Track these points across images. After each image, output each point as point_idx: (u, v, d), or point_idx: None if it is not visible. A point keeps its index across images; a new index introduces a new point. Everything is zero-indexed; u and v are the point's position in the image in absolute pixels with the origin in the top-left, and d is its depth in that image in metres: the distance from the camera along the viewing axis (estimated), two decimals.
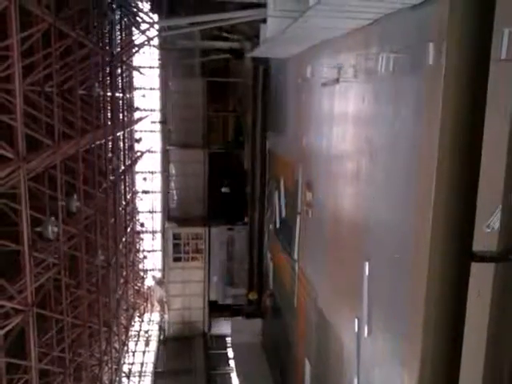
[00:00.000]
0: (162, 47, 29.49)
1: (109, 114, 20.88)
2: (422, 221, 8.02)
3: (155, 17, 26.69)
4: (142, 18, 25.61)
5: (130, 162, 27.13)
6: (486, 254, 1.69)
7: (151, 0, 26.61)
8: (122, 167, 23.81)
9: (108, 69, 19.96)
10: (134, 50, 26.27)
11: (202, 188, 30.61)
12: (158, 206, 35.19)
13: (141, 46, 25.80)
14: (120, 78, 24.52)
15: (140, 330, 31.61)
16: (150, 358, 29.51)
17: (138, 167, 32.73)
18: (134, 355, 28.71)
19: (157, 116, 33.30)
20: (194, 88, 30.19)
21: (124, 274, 24.53)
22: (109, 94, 20.44)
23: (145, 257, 34.49)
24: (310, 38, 14.50)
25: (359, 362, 11.94)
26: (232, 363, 26.95)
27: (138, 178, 33.55)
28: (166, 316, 30.39)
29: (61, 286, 13.54)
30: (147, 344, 30.81)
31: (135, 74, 31.24)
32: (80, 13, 15.17)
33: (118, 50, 22.51)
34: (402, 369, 9.46)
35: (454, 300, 1.58)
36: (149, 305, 33.98)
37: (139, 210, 33.79)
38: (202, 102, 30.33)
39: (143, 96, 33.32)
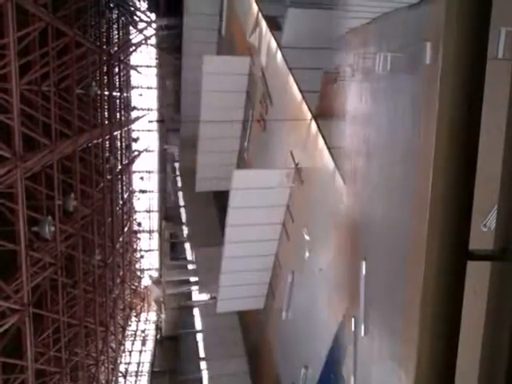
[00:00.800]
0: (159, 46, 29.49)
1: (106, 113, 20.85)
2: (418, 220, 8.02)
3: (153, 16, 26.69)
4: (139, 17, 25.61)
5: (127, 161, 27.11)
6: (483, 252, 1.70)
7: None
8: (119, 166, 23.77)
9: (105, 68, 19.94)
10: (131, 49, 26.25)
11: None
12: (155, 206, 35.21)
13: (138, 44, 25.78)
14: (117, 76, 24.50)
15: (137, 329, 31.61)
16: (147, 357, 29.52)
17: (136, 166, 32.74)
18: (130, 355, 28.71)
19: (154, 115, 33.30)
20: None
21: (121, 273, 24.50)
22: (106, 93, 20.42)
23: (142, 256, 34.49)
24: None
25: (356, 360, 11.95)
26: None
27: (135, 178, 33.56)
28: (162, 316, 30.37)
29: (57, 286, 13.51)
30: (144, 343, 30.81)
31: (132, 72, 31.22)
32: (77, 12, 15.16)
33: (116, 48, 22.48)
34: (398, 368, 9.48)
35: (450, 299, 1.60)
36: (145, 304, 33.97)
37: (136, 209, 33.79)
38: None
39: (140, 95, 33.30)
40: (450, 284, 1.87)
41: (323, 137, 13.37)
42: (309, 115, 14.21)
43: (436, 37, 7.21)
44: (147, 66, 33.32)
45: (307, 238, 14.77)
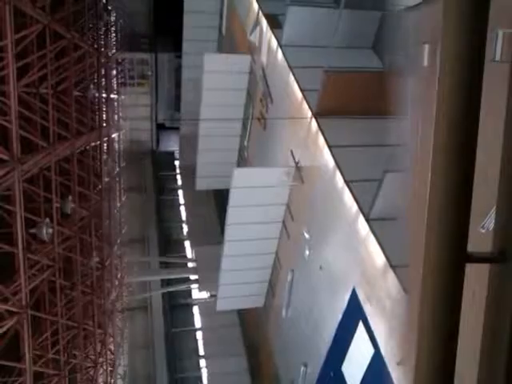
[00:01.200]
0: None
1: (104, 116, 20.81)
2: (417, 222, 8.04)
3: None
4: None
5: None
6: (482, 255, 1.69)
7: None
8: (117, 169, 23.74)
9: (103, 70, 19.90)
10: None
11: None
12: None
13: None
14: (115, 79, 24.46)
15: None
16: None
17: None
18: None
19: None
20: None
21: (119, 275, 24.44)
22: (104, 95, 20.38)
23: None
24: None
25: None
26: None
27: None
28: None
29: (55, 288, 13.47)
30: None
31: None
32: (75, 14, 15.13)
33: (114, 51, 22.46)
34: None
35: (449, 301, 1.59)
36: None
37: None
38: None
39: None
40: (449, 286, 1.87)
41: (324, 135, 13.40)
42: (309, 114, 14.23)
43: (434, 39, 7.23)
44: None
45: (307, 236, 14.80)
